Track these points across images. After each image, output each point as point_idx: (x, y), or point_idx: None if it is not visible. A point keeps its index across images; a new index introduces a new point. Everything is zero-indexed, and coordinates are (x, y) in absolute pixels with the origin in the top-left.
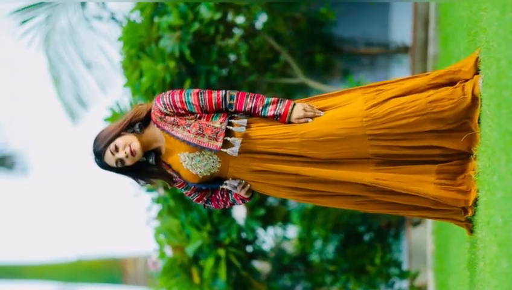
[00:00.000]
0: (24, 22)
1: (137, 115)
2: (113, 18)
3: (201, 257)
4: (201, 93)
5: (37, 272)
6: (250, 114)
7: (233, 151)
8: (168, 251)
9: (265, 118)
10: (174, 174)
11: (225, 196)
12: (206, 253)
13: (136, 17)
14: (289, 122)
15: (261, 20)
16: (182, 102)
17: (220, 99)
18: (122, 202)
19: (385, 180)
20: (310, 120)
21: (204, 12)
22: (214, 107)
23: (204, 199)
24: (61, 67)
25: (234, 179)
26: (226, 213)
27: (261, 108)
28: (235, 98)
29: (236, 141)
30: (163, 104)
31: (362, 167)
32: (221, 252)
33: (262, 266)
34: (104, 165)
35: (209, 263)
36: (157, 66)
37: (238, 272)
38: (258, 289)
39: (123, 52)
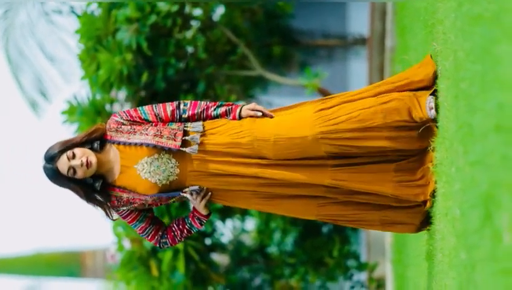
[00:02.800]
0: None
1: (97, 130)
2: (73, 12)
3: (159, 249)
4: (155, 105)
5: None
6: (203, 117)
7: (192, 149)
8: (127, 244)
9: (217, 117)
10: (131, 197)
11: (181, 223)
12: None
13: (94, 9)
14: (240, 117)
15: (219, 12)
16: (136, 111)
17: (174, 107)
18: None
19: (344, 181)
20: (259, 113)
21: (162, 4)
22: (168, 114)
23: (160, 233)
24: (22, 61)
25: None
26: (184, 205)
27: (213, 108)
28: (188, 104)
29: (196, 137)
30: (119, 115)
31: (320, 169)
32: (180, 245)
33: (220, 259)
34: (53, 171)
35: (167, 255)
36: (115, 59)
37: (197, 265)
38: (216, 281)
39: (80, 45)
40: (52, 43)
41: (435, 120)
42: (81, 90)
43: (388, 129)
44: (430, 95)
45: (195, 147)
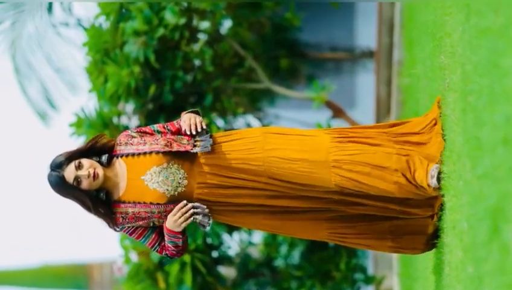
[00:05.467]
0: None
1: (101, 137)
2: (80, 24)
3: (166, 262)
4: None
5: (2, 277)
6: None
7: (205, 147)
8: (134, 257)
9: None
10: (137, 211)
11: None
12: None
13: (101, 22)
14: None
15: (226, 25)
16: (146, 127)
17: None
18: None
19: (353, 197)
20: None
21: (169, 17)
22: (175, 124)
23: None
24: (30, 72)
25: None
26: None
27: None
28: None
29: (207, 139)
30: (130, 129)
31: (328, 192)
32: (187, 257)
33: (227, 272)
34: (59, 179)
35: (174, 268)
36: (122, 72)
37: (204, 278)
38: None
39: (88, 58)
40: (60, 55)
41: (436, 189)
42: (89, 103)
43: (398, 175)
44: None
45: (208, 144)
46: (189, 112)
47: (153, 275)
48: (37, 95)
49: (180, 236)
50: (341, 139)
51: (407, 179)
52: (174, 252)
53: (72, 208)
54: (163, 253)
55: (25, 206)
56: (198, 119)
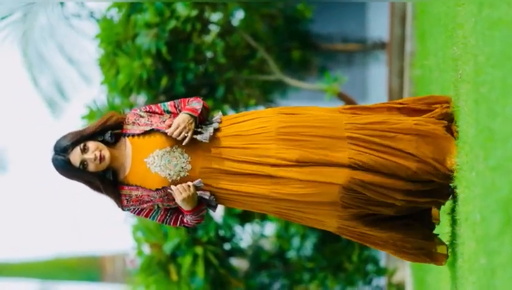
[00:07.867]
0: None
1: (110, 118)
2: (92, 16)
3: (179, 254)
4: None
5: (15, 269)
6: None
7: (204, 137)
8: (146, 249)
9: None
10: (139, 194)
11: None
12: (184, 251)
13: (113, 14)
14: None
15: (238, 17)
16: (157, 105)
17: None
18: (100, 200)
19: (365, 163)
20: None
21: (181, 9)
22: (186, 103)
23: (180, 216)
24: (41, 63)
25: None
26: None
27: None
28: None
29: (209, 128)
30: (139, 108)
31: (337, 168)
32: (199, 249)
33: (240, 264)
34: (65, 163)
35: (186, 260)
36: (134, 63)
37: (216, 270)
38: (235, 286)
39: (100, 50)
40: (72, 47)
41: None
42: (101, 95)
43: (419, 158)
44: None
45: (207, 135)
46: (187, 113)
47: (166, 267)
48: (48, 87)
49: (204, 207)
50: (359, 118)
51: (432, 165)
52: (196, 223)
53: (85, 201)
54: (180, 225)
55: (37, 199)
56: (186, 134)
